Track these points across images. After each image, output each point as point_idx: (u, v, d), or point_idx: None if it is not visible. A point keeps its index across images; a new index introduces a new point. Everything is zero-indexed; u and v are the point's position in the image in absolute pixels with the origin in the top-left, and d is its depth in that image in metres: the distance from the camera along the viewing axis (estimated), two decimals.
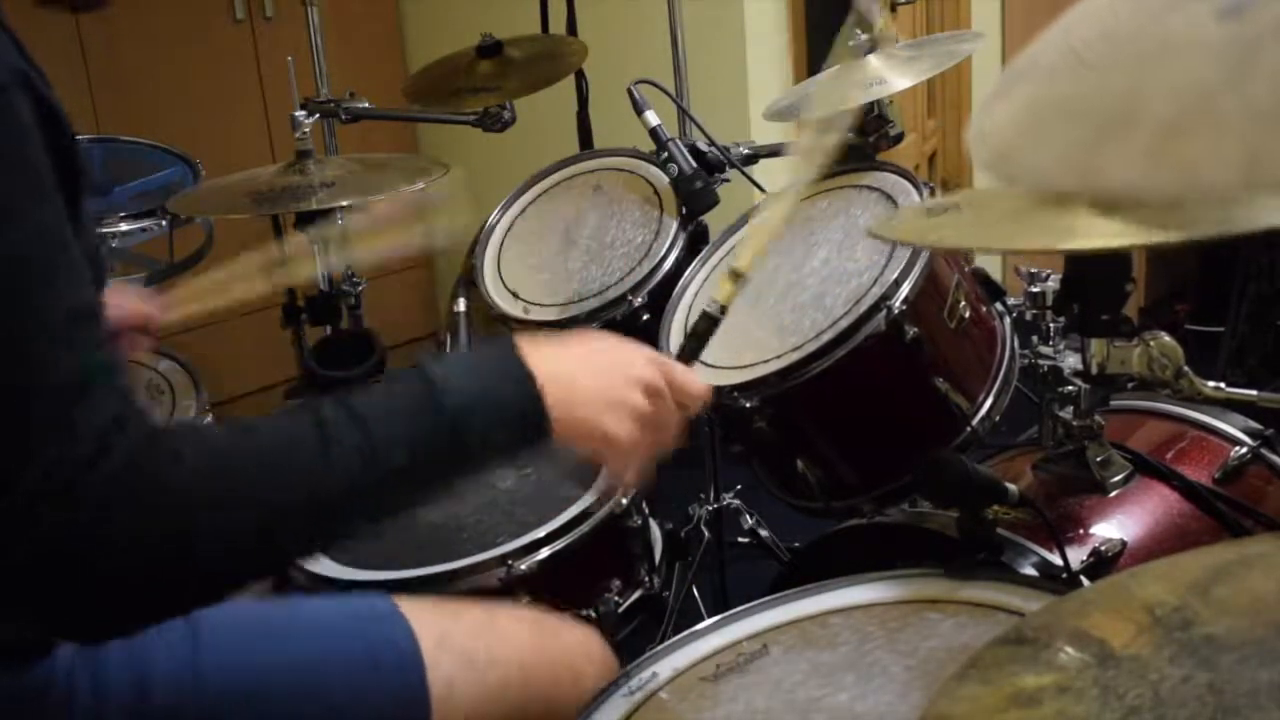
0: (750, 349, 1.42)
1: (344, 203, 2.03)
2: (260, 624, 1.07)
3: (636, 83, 1.80)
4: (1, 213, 0.73)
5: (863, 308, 1.34)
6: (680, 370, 1.00)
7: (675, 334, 1.53)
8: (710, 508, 2.12)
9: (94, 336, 0.77)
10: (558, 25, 2.53)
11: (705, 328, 1.07)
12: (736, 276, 1.06)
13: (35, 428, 0.72)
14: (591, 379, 0.93)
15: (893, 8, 3.21)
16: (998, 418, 1.42)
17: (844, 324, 1.34)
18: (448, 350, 1.75)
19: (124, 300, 1.23)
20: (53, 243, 0.76)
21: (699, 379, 1.01)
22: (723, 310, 1.06)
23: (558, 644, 1.15)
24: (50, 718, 0.94)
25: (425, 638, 1.07)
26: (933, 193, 1.50)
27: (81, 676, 0.96)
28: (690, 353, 1.07)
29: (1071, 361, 1.35)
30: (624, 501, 1.38)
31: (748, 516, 2.22)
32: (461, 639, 1.10)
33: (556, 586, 1.32)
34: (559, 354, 0.93)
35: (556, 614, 1.25)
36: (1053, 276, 1.37)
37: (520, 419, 0.88)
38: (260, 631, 1.06)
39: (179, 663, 1.00)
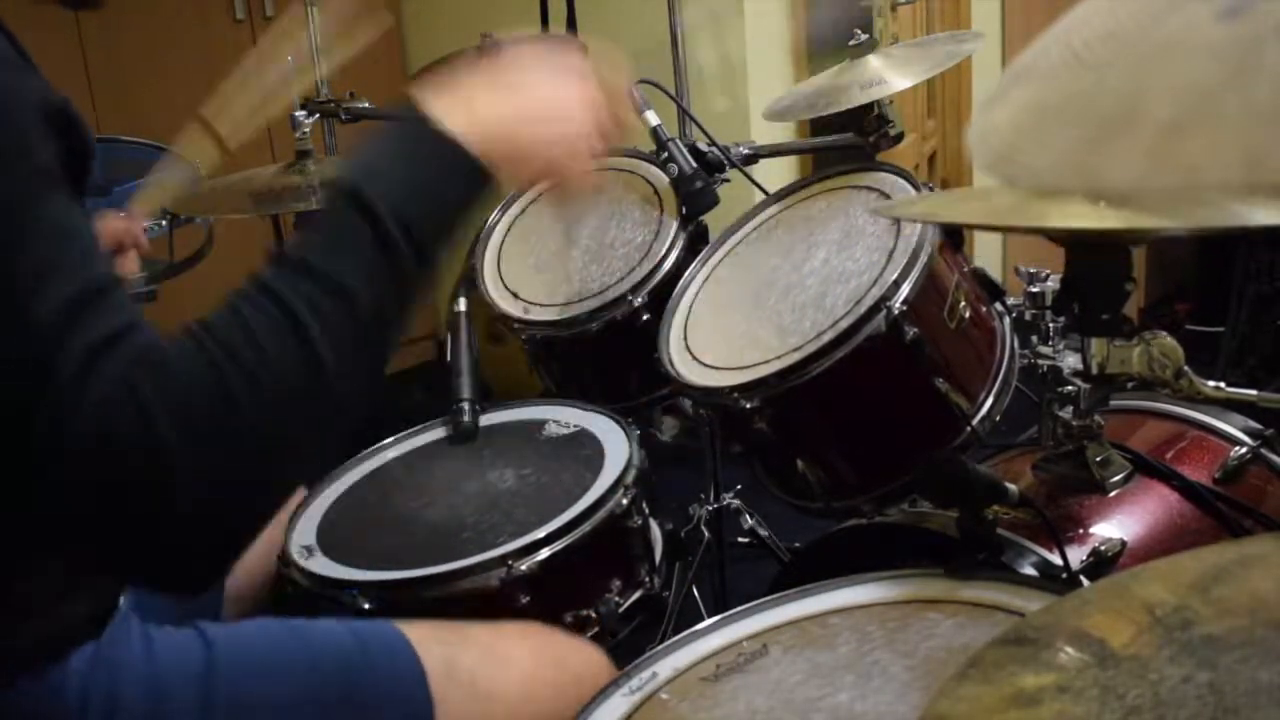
0: (750, 349, 1.42)
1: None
2: (271, 650, 1.07)
3: (636, 83, 1.80)
4: None
5: (863, 308, 1.34)
6: (600, 64, 0.95)
7: (675, 334, 1.53)
8: (710, 508, 2.12)
9: (110, 306, 0.74)
10: (558, 25, 2.54)
11: None
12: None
13: (29, 359, 0.70)
14: (531, 127, 0.88)
15: (893, 8, 3.22)
16: (998, 418, 1.42)
17: (844, 324, 1.34)
18: (448, 351, 1.74)
19: (99, 223, 1.18)
20: (41, 179, 0.74)
21: (614, 62, 0.96)
22: None
23: (562, 665, 1.16)
24: None
25: (433, 668, 1.08)
26: (932, 193, 1.50)
27: (95, 693, 0.96)
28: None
29: (1071, 361, 1.35)
30: (624, 503, 1.38)
31: (748, 516, 2.23)
32: (468, 666, 1.10)
33: (556, 587, 1.32)
34: (491, 102, 0.87)
35: (560, 629, 1.26)
36: (1053, 276, 1.37)
37: (466, 200, 0.85)
38: (271, 658, 1.07)
39: (192, 683, 1.01)
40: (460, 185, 0.85)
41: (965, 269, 1.47)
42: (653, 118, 1.76)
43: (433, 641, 1.11)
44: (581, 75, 0.93)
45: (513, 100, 0.89)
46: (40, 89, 0.78)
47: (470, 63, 0.89)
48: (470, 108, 0.86)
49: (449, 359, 1.72)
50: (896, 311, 1.33)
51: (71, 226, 0.76)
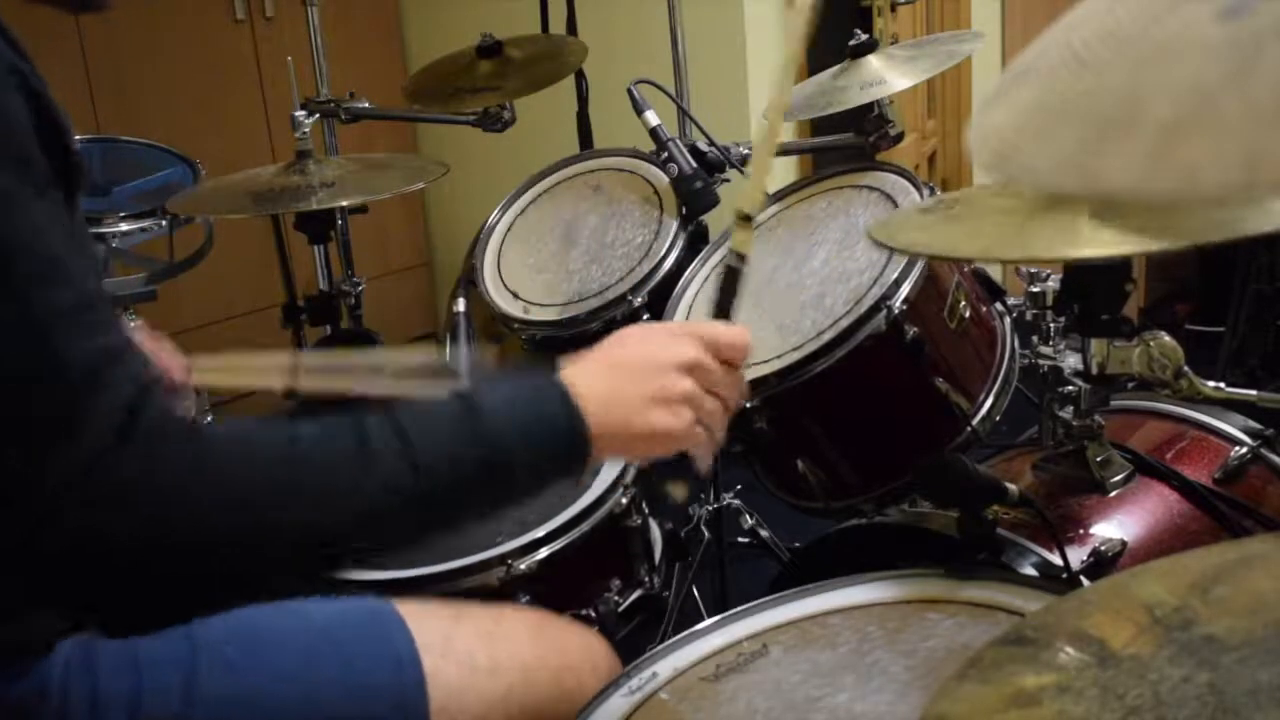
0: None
1: (343, 203, 2.04)
2: (259, 628, 1.06)
3: (636, 83, 1.80)
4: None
5: (863, 308, 1.35)
6: (714, 329, 0.97)
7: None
8: (710, 508, 2.12)
9: (102, 322, 0.76)
10: (558, 25, 2.54)
11: (730, 280, 1.02)
12: (746, 220, 1.01)
13: (49, 422, 0.72)
14: (626, 383, 0.91)
15: (893, 8, 3.22)
16: (998, 418, 1.42)
17: (844, 324, 1.34)
18: (448, 351, 1.75)
19: (158, 351, 1.20)
20: (53, 232, 0.76)
21: (736, 330, 0.98)
22: (741, 258, 1.01)
23: (561, 649, 1.15)
24: None
25: (427, 645, 1.07)
26: (933, 193, 1.50)
27: (76, 687, 0.96)
28: (723, 309, 1.03)
29: (1071, 361, 1.35)
30: (624, 502, 1.38)
31: (748, 516, 2.22)
32: (464, 644, 1.09)
33: (556, 586, 1.32)
34: (589, 368, 0.92)
35: (560, 616, 1.25)
36: (1053, 276, 1.37)
37: (561, 435, 0.87)
38: (258, 636, 1.05)
39: (176, 669, 0.99)
40: (558, 454, 0.88)
41: (965, 269, 1.47)
42: (653, 118, 1.76)
43: (429, 617, 1.10)
44: (687, 335, 0.96)
45: (607, 358, 0.94)
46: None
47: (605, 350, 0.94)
48: (574, 372, 0.91)
49: (449, 359, 1.73)
50: (896, 311, 1.33)
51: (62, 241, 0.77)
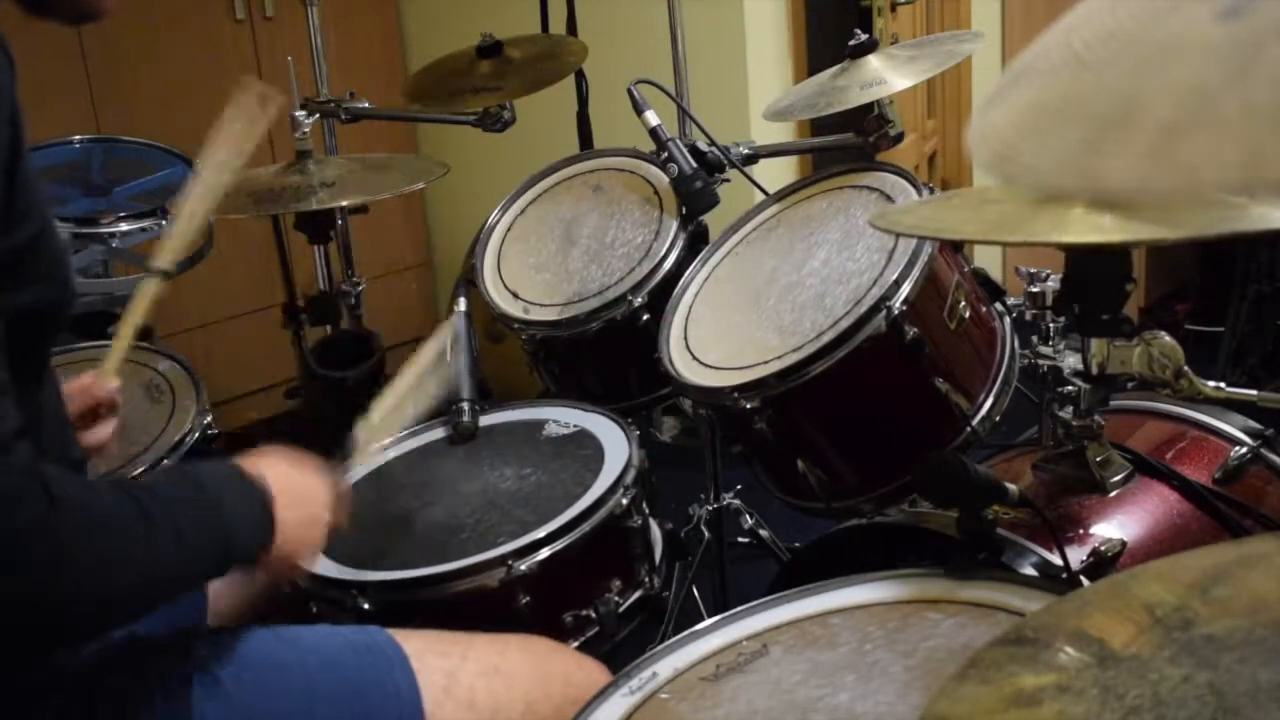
0: (750, 349, 1.43)
1: (343, 202, 2.03)
2: (261, 658, 1.06)
3: (636, 83, 1.80)
4: None
5: (863, 308, 1.34)
6: (338, 486, 1.15)
7: (675, 334, 1.53)
8: (710, 508, 2.12)
9: None
10: (558, 25, 2.54)
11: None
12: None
13: None
14: (298, 507, 1.05)
15: (893, 7, 3.22)
16: (998, 418, 1.42)
17: (844, 324, 1.34)
18: (448, 353, 1.75)
19: (70, 387, 1.23)
20: None
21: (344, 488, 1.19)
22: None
23: (565, 681, 1.15)
24: None
25: (429, 683, 1.07)
26: (932, 194, 1.50)
27: (76, 701, 0.96)
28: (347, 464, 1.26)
29: (1071, 361, 1.35)
30: (624, 503, 1.38)
31: (748, 516, 2.23)
32: (467, 682, 1.09)
33: (556, 586, 1.32)
34: (273, 475, 1.04)
35: (564, 646, 1.25)
36: (1053, 276, 1.37)
37: (258, 528, 1.01)
38: (258, 665, 1.05)
39: (176, 703, 0.99)
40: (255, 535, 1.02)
41: (965, 269, 1.47)
42: (653, 118, 1.76)
43: (432, 654, 1.10)
44: (330, 483, 1.13)
45: (284, 479, 1.06)
46: None
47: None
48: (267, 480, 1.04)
49: (449, 359, 1.73)
50: (896, 311, 1.33)
51: None
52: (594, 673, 1.19)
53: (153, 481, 1.01)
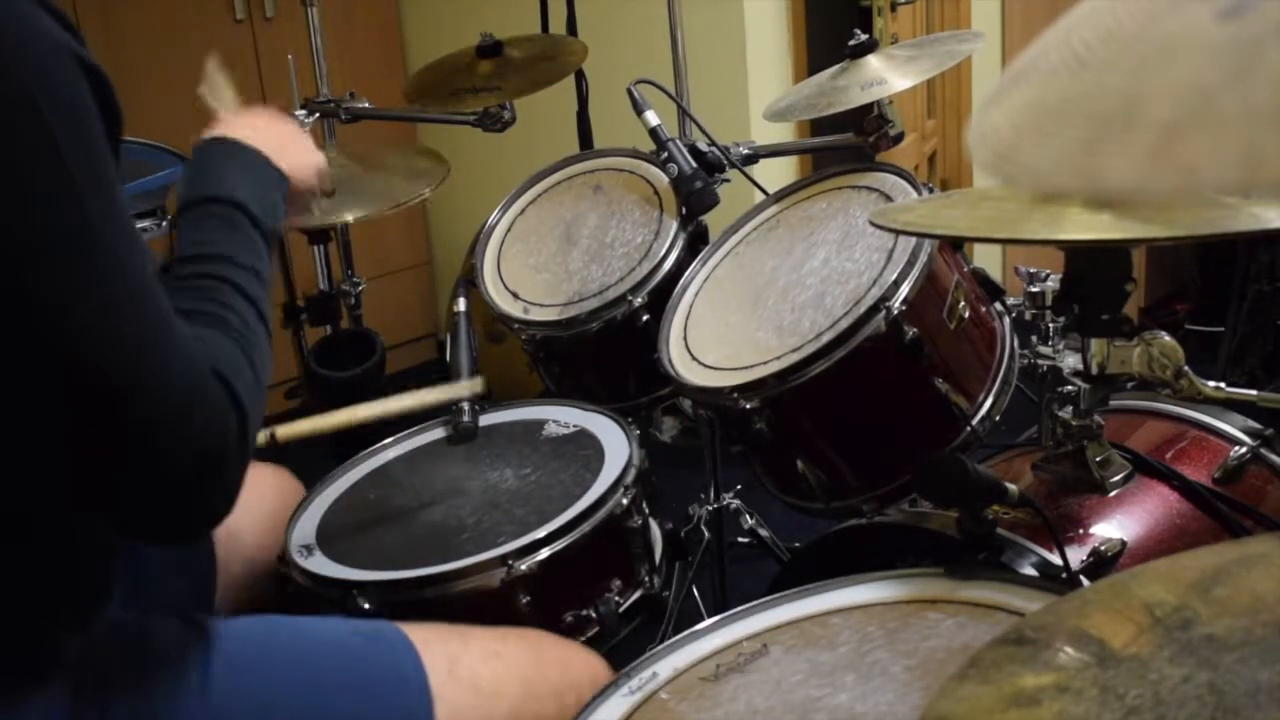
0: (750, 350, 1.43)
1: (348, 218, 2.04)
2: (271, 644, 1.07)
3: (636, 83, 1.79)
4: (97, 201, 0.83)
5: (862, 308, 1.34)
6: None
7: (675, 334, 1.53)
8: (710, 508, 2.12)
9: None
10: (558, 25, 2.54)
11: None
12: None
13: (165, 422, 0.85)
14: (287, 145, 1.18)
15: (893, 7, 3.22)
16: (998, 418, 1.42)
17: (844, 325, 1.34)
18: (448, 351, 1.75)
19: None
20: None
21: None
22: None
23: (564, 668, 1.16)
24: None
25: (433, 667, 1.08)
26: (932, 194, 1.50)
27: (87, 683, 0.96)
28: None
29: (1071, 361, 1.35)
30: (624, 503, 1.38)
31: (748, 516, 2.23)
32: (469, 666, 1.11)
33: (556, 586, 1.32)
34: (257, 135, 1.16)
35: (561, 636, 1.26)
36: (1052, 276, 1.37)
37: (277, 190, 1.14)
38: (269, 645, 1.07)
39: (187, 675, 1.00)
40: (276, 185, 1.15)
41: (965, 269, 1.47)
42: (653, 118, 1.76)
43: (435, 641, 1.11)
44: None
45: (266, 130, 1.19)
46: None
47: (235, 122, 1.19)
48: (255, 139, 1.16)
49: (449, 359, 1.73)
50: (896, 311, 1.33)
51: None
52: (590, 661, 1.20)
53: (223, 251, 1.05)
